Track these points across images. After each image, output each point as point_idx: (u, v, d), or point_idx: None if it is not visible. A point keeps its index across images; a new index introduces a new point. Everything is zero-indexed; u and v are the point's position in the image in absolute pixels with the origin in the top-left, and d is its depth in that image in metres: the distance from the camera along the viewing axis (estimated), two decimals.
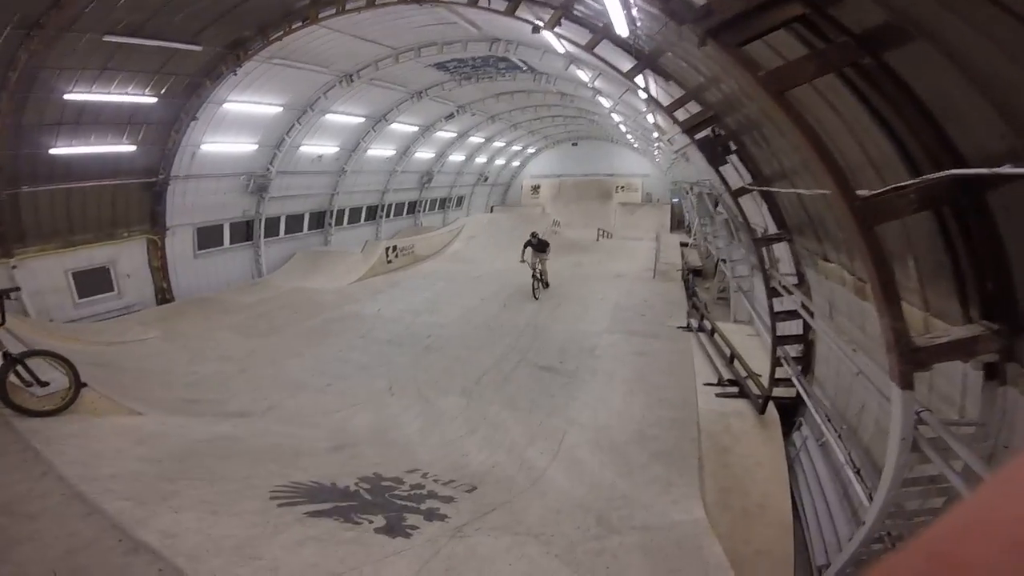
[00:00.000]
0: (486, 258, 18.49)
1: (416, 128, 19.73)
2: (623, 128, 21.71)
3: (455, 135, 22.87)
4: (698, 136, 6.03)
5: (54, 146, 9.66)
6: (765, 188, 6.00)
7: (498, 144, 28.48)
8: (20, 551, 2.97)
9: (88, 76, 9.24)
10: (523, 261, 12.85)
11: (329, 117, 15.09)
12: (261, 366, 8.77)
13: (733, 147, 6.05)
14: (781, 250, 7.16)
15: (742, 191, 6.42)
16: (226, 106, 12.04)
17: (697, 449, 6.00)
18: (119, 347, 9.01)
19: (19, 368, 4.41)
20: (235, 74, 11.20)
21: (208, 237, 13.62)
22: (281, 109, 13.43)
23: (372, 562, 3.56)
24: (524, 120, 25.26)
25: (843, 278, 5.00)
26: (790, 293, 6.20)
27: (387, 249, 16.57)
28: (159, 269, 12.18)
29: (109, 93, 9.76)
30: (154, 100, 10.55)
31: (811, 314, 5.82)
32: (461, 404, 7.46)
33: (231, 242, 14.35)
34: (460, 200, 29.93)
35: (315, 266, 15.43)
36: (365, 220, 20.97)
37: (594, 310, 12.21)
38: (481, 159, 28.68)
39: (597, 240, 23.60)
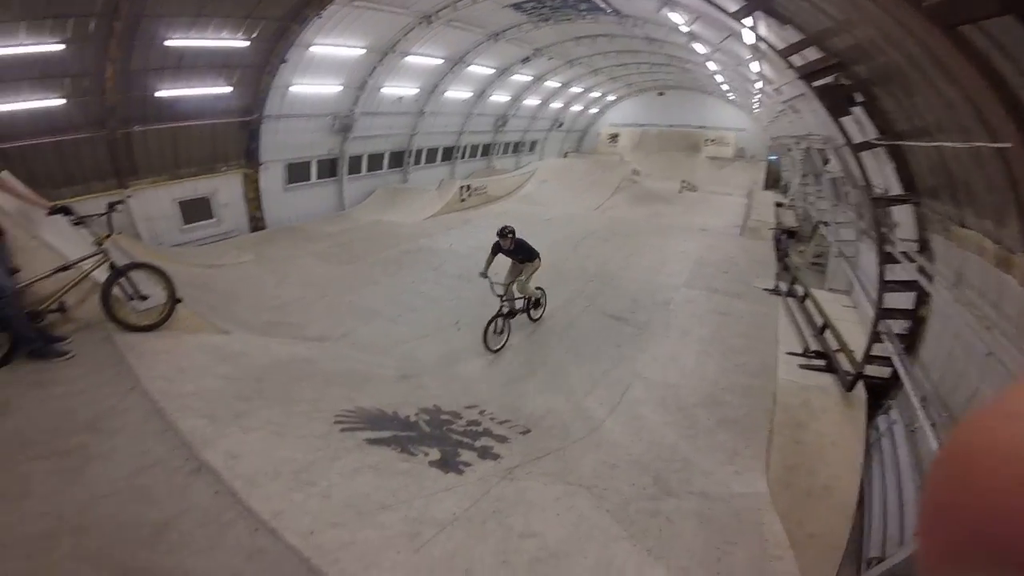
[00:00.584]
0: (557, 202, 18.06)
1: (492, 71, 19.12)
2: (719, 78, 19.77)
3: (531, 79, 21.93)
4: (817, 84, 5.29)
5: (160, 89, 10.41)
6: (901, 143, 5.14)
7: (575, 90, 26.99)
8: (93, 469, 3.14)
9: (184, 22, 9.75)
10: (484, 276, 7.19)
11: (409, 59, 14.96)
12: (340, 293, 9.17)
13: (859, 98, 5.24)
14: (901, 214, 6.23)
15: (867, 145, 5.57)
16: (312, 48, 12.27)
17: (769, 421, 5.59)
18: (217, 269, 9.80)
19: (123, 281, 4.78)
20: (319, 17, 11.36)
21: (297, 172, 14.27)
22: (363, 51, 13.49)
23: (424, 496, 3.61)
24: (606, 66, 23.58)
25: (982, 247, 4.21)
26: (911, 261, 5.39)
27: (461, 188, 16.65)
28: (253, 200, 13.02)
29: (205, 38, 10.28)
30: (246, 44, 10.99)
31: (931, 281, 5.05)
32: (524, 344, 7.42)
33: (317, 177, 14.97)
34: (533, 145, 29.04)
35: (393, 202, 15.83)
36: (441, 160, 21.06)
37: (673, 263, 11.55)
38: (557, 104, 27.42)
39: (680, 192, 22.16)
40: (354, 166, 16.14)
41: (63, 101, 9.20)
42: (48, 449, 3.31)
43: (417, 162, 19.25)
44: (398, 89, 15.92)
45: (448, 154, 21.32)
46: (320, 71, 13.10)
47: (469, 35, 15.60)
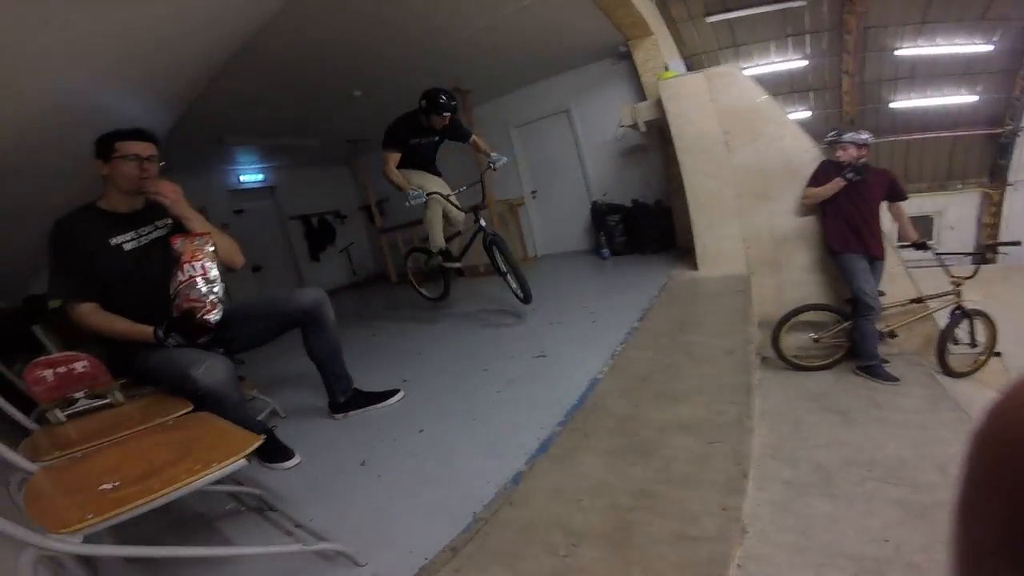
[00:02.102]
0: None
1: None
2: None
3: None
4: None
5: (893, 100, 10.35)
6: None
7: None
8: (939, 516, 2.91)
9: (909, 31, 9.27)
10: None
11: None
12: None
13: None
14: None
15: None
16: None
17: None
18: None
19: (963, 325, 4.71)
20: None
21: None
22: None
23: None
24: None
25: None
26: None
27: None
28: (988, 226, 11.18)
29: (935, 45, 9.46)
30: (989, 48, 9.41)
31: None
32: None
33: None
34: None
35: None
36: None
37: None
38: None
39: None
40: None
41: (808, 113, 10.67)
42: (890, 474, 3.24)
43: None
44: None
45: None
46: None
47: None
